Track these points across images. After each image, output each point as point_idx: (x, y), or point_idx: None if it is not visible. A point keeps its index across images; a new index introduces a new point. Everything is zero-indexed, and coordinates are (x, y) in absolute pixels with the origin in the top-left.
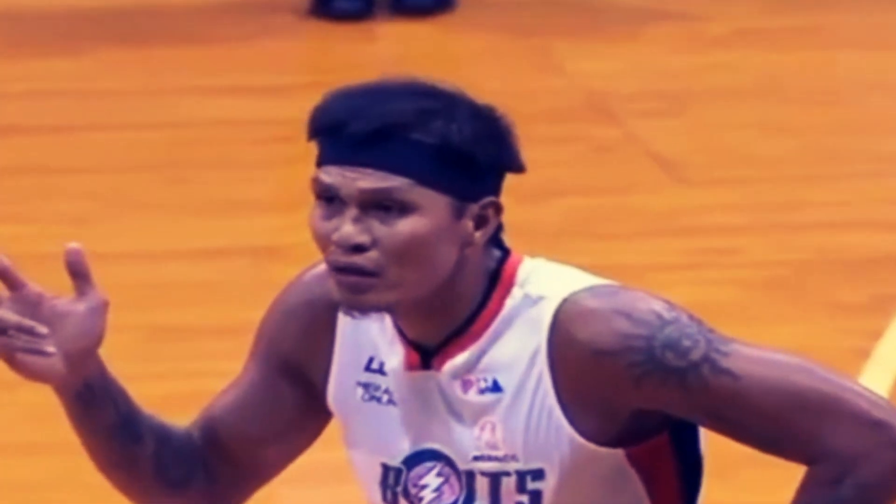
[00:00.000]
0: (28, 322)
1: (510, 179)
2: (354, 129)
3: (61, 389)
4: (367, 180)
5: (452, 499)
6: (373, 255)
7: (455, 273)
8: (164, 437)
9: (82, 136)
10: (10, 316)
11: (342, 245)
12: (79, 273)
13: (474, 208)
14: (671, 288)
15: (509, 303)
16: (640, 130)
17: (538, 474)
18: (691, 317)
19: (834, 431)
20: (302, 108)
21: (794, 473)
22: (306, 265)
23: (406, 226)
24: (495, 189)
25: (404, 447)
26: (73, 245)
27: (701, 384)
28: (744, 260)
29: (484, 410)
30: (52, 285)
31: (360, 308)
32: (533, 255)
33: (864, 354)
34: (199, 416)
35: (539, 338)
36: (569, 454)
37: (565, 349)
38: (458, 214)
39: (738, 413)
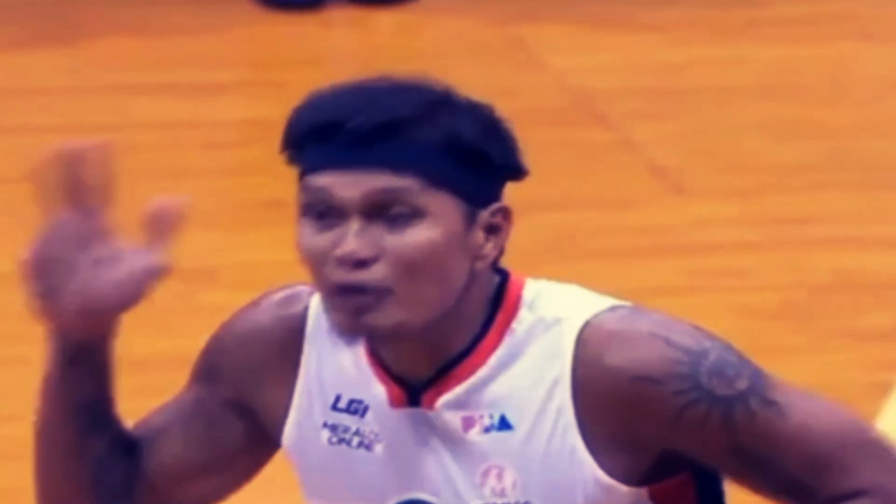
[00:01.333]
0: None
1: None
2: (353, 127)
3: (61, 336)
4: (372, 182)
5: None
6: (380, 269)
7: (462, 293)
8: (119, 437)
9: None
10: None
11: (347, 261)
12: (159, 227)
13: (484, 215)
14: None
15: (517, 327)
16: (634, 134)
17: None
18: (724, 342)
19: (875, 467)
20: (243, 108)
21: None
22: (243, 290)
23: (418, 234)
24: (500, 195)
25: (383, 498)
26: (168, 201)
27: (747, 417)
28: (749, 283)
29: (489, 453)
30: None
31: (368, 332)
32: (523, 276)
33: (884, 389)
34: (136, 427)
35: (560, 365)
36: (592, 496)
37: (595, 377)
38: (470, 222)
39: (776, 449)
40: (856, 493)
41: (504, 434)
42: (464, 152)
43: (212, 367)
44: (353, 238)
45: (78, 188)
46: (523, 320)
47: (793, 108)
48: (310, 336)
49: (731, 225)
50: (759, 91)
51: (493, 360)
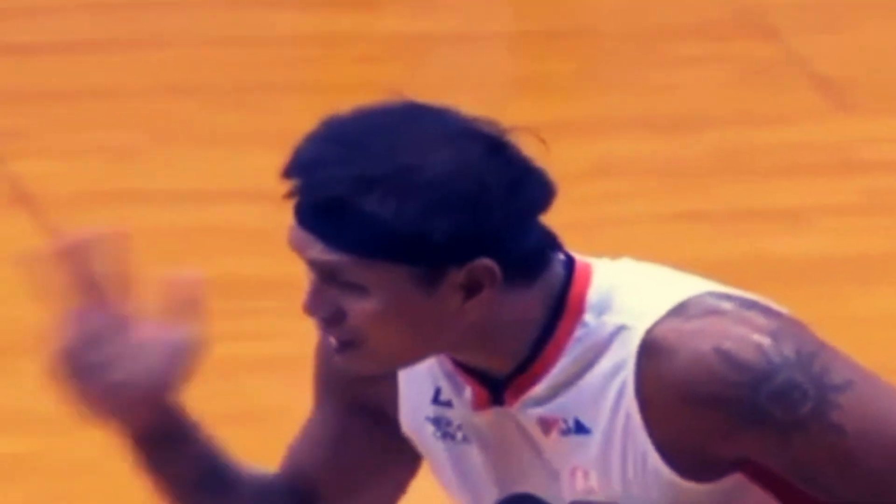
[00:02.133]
0: (92, 336)
1: (646, 107)
2: (300, 195)
3: (121, 434)
4: (313, 251)
5: None
6: (347, 326)
7: (485, 327)
8: (260, 490)
9: (130, 54)
10: (87, 321)
11: (308, 315)
12: (186, 303)
13: (458, 276)
14: (839, 236)
15: (582, 333)
16: (800, 48)
17: None
18: (802, 349)
19: None
20: (395, 23)
21: None
22: None
23: (362, 306)
24: (485, 249)
25: (493, 491)
26: (194, 275)
27: (805, 441)
28: None
29: (571, 455)
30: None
31: (357, 373)
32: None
33: None
34: (281, 466)
35: (624, 375)
36: (676, 498)
37: (654, 390)
38: (430, 285)
39: (834, 475)
40: None
41: (582, 438)
42: (400, 231)
43: (325, 379)
44: (309, 296)
45: (88, 281)
46: (588, 328)
47: None
48: None
49: None
50: None
51: (560, 366)
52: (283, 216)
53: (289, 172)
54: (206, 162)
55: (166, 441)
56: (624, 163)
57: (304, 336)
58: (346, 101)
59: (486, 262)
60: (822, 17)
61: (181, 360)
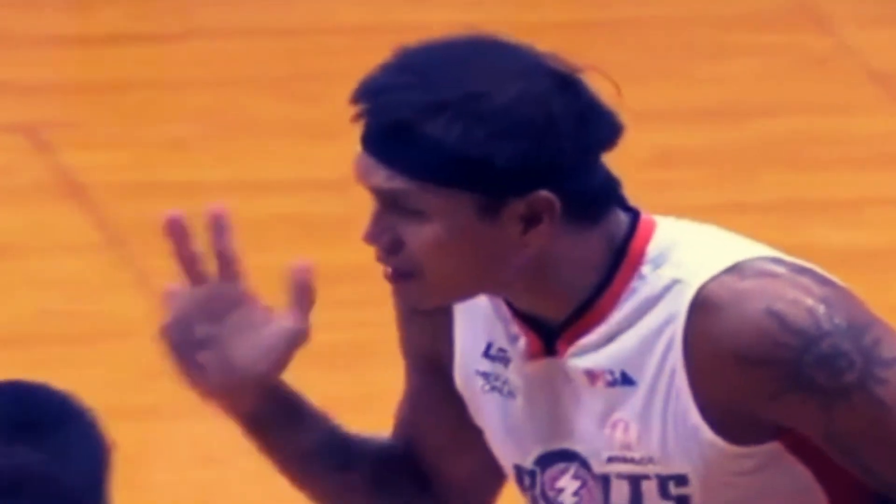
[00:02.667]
0: (190, 313)
1: (697, 98)
2: (369, 121)
3: (229, 413)
4: (375, 178)
5: None
6: (404, 255)
7: (543, 265)
8: (378, 460)
9: (188, 44)
10: (184, 299)
11: (367, 243)
12: (300, 296)
13: (518, 207)
14: (890, 228)
15: (638, 284)
16: (855, 40)
17: (681, 480)
18: (854, 320)
19: None
20: (460, 10)
21: None
22: None
23: (419, 235)
24: (549, 181)
25: (534, 446)
26: (305, 263)
27: (847, 411)
28: None
29: (614, 406)
30: (143, 222)
31: (411, 306)
32: (671, 215)
33: None
34: (392, 432)
35: (674, 328)
36: (713, 458)
37: (702, 345)
38: (491, 214)
39: (871, 447)
40: None
41: (627, 389)
42: (467, 155)
43: (405, 344)
44: (369, 225)
45: (192, 259)
46: (644, 277)
47: None
48: None
49: None
50: None
51: (616, 315)
52: (339, 205)
53: (357, 97)
54: (261, 152)
55: (278, 418)
56: (677, 153)
57: (372, 325)
58: None
59: (547, 194)
60: (877, 8)
61: (283, 350)
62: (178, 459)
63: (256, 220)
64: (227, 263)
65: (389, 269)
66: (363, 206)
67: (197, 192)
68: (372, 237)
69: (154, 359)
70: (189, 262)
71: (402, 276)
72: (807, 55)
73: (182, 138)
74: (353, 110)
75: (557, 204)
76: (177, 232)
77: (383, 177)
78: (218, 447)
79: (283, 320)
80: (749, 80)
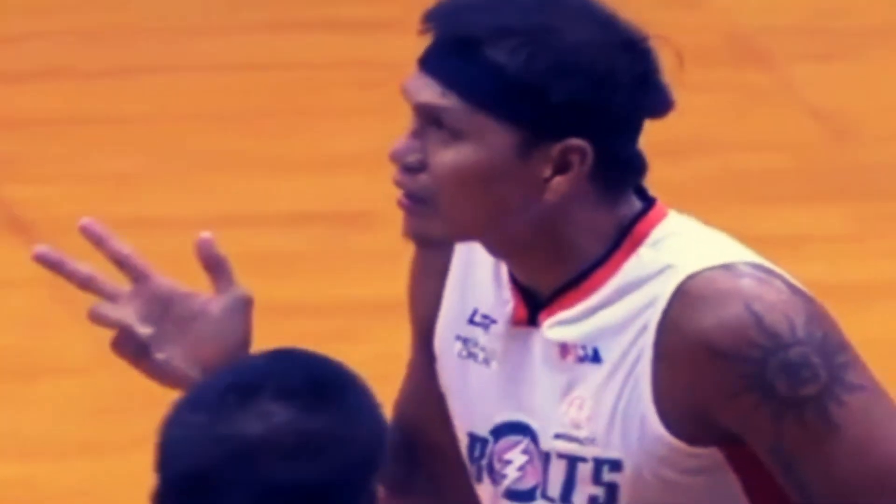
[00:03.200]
0: (124, 321)
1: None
2: (435, 36)
3: None
4: (426, 93)
5: (533, 483)
6: (423, 179)
7: (555, 220)
8: None
9: (139, 79)
10: (111, 312)
11: (393, 160)
12: (213, 266)
13: (553, 149)
14: (832, 262)
15: (633, 263)
16: (795, 76)
17: (615, 465)
18: (830, 338)
19: None
20: (402, 46)
21: None
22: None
23: (453, 155)
24: (590, 130)
25: (494, 415)
26: (205, 234)
27: (797, 424)
28: None
29: (577, 382)
30: (93, 258)
31: (417, 237)
32: (681, 212)
33: None
34: (392, 413)
35: (652, 312)
36: (653, 450)
37: (676, 331)
38: (525, 154)
39: (812, 471)
40: None
41: (593, 367)
42: (522, 83)
43: (413, 314)
44: (402, 139)
45: (119, 262)
46: (641, 257)
47: None
48: (458, 249)
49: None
50: None
51: (603, 291)
52: (288, 240)
53: (429, 14)
54: (207, 187)
55: None
56: None
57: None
58: (343, 125)
59: (583, 142)
60: (817, 45)
61: (237, 323)
62: (123, 495)
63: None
64: (127, 265)
65: (404, 194)
66: (313, 241)
67: (141, 226)
68: (399, 154)
69: (97, 394)
70: (81, 281)
71: (415, 201)
72: (747, 91)
73: (127, 173)
74: (421, 26)
75: (590, 155)
76: (52, 263)
77: (436, 93)
78: None
79: (218, 297)
80: (690, 116)
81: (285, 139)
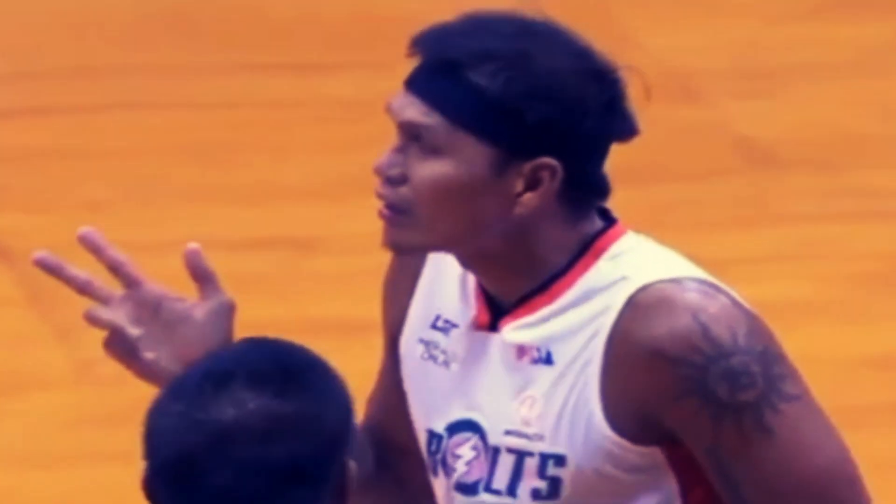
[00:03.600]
0: (116, 322)
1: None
2: (422, 56)
3: None
4: (410, 111)
5: (477, 477)
6: (405, 190)
7: (524, 233)
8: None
9: (112, 115)
10: (104, 314)
11: (377, 173)
12: (199, 274)
13: (524, 167)
14: (757, 283)
15: (592, 275)
16: (723, 111)
17: (560, 460)
18: (769, 351)
19: None
20: (357, 87)
21: None
22: (349, 256)
23: (431, 168)
24: (560, 150)
25: (449, 413)
26: (192, 245)
27: (734, 428)
28: (839, 252)
29: (530, 382)
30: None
31: (393, 246)
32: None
33: None
34: (363, 414)
35: (604, 320)
36: (597, 447)
37: (623, 340)
38: (499, 170)
39: (745, 473)
40: None
41: (545, 368)
42: (499, 104)
43: (384, 319)
44: (386, 154)
45: (114, 268)
46: (599, 269)
47: (881, 85)
48: (431, 258)
49: (821, 197)
50: (848, 69)
51: (562, 299)
52: (254, 264)
53: (416, 37)
54: (173, 215)
55: None
56: None
57: None
58: (303, 160)
59: (554, 162)
60: (741, 85)
61: (220, 326)
62: None
63: (171, 277)
64: (121, 272)
65: (385, 205)
66: (278, 264)
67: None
68: (383, 167)
69: (73, 410)
70: (80, 286)
71: (396, 211)
72: (676, 125)
73: (99, 201)
74: (409, 50)
75: (560, 174)
76: (47, 266)
77: (420, 111)
78: (139, 495)
79: (203, 302)
80: (624, 149)
81: (240, 170)
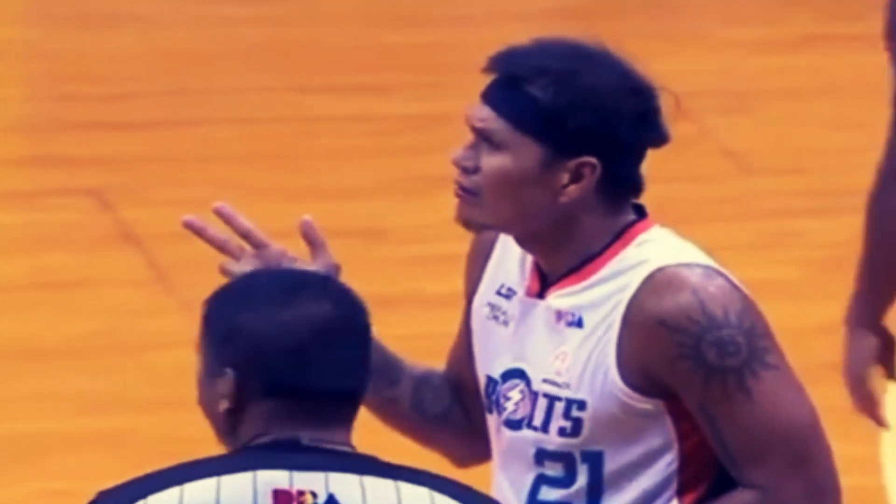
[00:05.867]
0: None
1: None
2: (495, 72)
3: None
4: (482, 116)
5: (522, 415)
6: (474, 178)
7: (568, 220)
8: (420, 379)
9: (206, 128)
10: (234, 267)
11: (454, 164)
12: (311, 240)
13: (570, 164)
14: (736, 267)
15: (620, 258)
16: (712, 125)
17: (582, 405)
18: (756, 327)
19: (790, 486)
20: (406, 104)
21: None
22: (411, 245)
23: (494, 161)
24: (599, 152)
25: (504, 363)
26: (306, 217)
27: (719, 388)
28: (803, 241)
29: (564, 341)
30: (176, 260)
31: (464, 221)
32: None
33: None
34: (445, 363)
35: (625, 294)
36: (610, 396)
37: (637, 310)
38: (549, 165)
39: (728, 427)
40: (757, 488)
41: (577, 330)
42: (549, 113)
43: (465, 283)
44: (461, 149)
45: (220, 242)
46: (627, 254)
47: (845, 106)
48: (500, 241)
49: (792, 196)
50: (817, 92)
51: (595, 277)
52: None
53: (492, 57)
54: (257, 210)
55: None
56: None
57: None
58: (364, 165)
59: (594, 160)
60: (727, 104)
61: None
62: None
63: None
64: (250, 236)
65: (459, 187)
66: (347, 250)
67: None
68: (459, 159)
69: (189, 364)
70: (219, 244)
71: (468, 193)
72: (675, 139)
73: (199, 199)
74: (484, 67)
75: (599, 170)
76: (194, 229)
77: (488, 117)
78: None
79: (314, 262)
80: None
81: (311, 174)
